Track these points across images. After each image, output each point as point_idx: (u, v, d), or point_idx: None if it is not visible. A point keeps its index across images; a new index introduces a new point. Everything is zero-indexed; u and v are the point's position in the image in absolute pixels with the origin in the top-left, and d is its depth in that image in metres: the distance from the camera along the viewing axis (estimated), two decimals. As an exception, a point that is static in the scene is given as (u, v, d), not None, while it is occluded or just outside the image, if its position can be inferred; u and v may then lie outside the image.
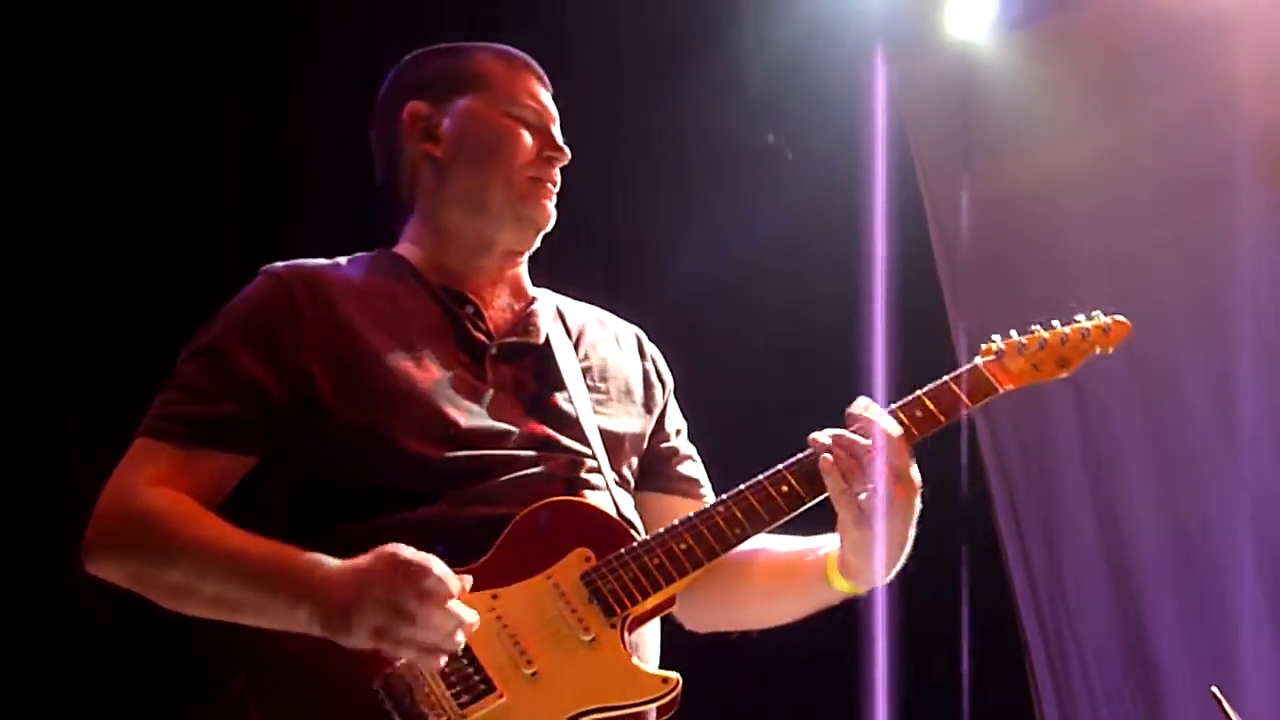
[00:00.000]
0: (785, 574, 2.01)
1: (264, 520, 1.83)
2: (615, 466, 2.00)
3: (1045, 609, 4.27)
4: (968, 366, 2.01)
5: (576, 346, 2.07)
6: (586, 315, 2.16)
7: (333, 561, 1.68)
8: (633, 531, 1.88)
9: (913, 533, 1.89)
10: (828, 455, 1.86)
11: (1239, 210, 3.91)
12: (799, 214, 4.05)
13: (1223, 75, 4.00)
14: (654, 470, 2.10)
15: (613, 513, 1.91)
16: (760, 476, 1.91)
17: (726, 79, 4.14)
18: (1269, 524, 3.91)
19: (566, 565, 1.82)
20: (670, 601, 1.87)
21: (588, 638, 1.79)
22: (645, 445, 2.09)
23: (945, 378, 1.98)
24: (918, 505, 1.88)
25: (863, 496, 1.84)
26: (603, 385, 2.06)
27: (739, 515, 1.88)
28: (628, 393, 2.09)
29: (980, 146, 4.58)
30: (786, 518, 1.91)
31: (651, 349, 2.19)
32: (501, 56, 2.10)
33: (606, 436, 1.99)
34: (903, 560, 1.91)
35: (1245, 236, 3.85)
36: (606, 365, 2.09)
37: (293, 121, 3.57)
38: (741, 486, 1.90)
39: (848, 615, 2.38)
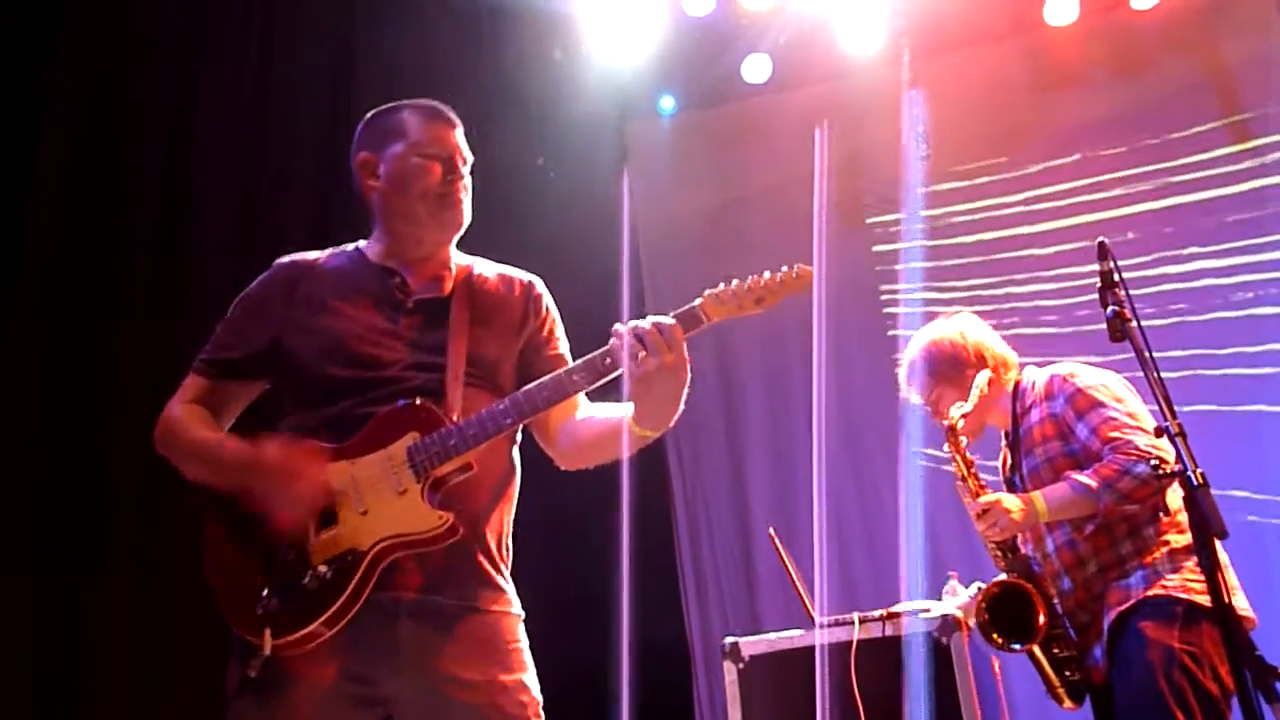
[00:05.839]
0: (605, 430, 2.51)
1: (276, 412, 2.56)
2: (486, 377, 2.50)
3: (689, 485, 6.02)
4: (688, 305, 2.34)
5: (476, 297, 2.57)
6: (491, 273, 2.65)
7: (246, 448, 2.39)
8: (449, 422, 2.37)
9: (685, 394, 2.34)
10: (617, 341, 2.31)
11: (821, 245, 5.48)
12: (561, 230, 5.18)
13: (812, 159, 5.59)
14: (529, 372, 2.57)
15: (454, 409, 2.40)
16: (548, 376, 2.40)
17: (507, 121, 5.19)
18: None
19: (400, 443, 2.36)
20: (469, 466, 2.35)
21: (401, 490, 2.32)
22: (519, 359, 2.59)
23: (671, 313, 2.33)
24: (687, 375, 2.32)
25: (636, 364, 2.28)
26: (487, 321, 2.55)
27: (512, 405, 2.37)
28: (506, 326, 2.59)
29: (670, 186, 6.15)
30: (551, 406, 2.40)
31: (538, 292, 2.67)
32: (419, 111, 2.63)
33: (477, 359, 2.49)
34: (679, 412, 2.38)
35: (823, 262, 5.16)
36: (494, 307, 2.59)
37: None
38: (530, 385, 2.39)
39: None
